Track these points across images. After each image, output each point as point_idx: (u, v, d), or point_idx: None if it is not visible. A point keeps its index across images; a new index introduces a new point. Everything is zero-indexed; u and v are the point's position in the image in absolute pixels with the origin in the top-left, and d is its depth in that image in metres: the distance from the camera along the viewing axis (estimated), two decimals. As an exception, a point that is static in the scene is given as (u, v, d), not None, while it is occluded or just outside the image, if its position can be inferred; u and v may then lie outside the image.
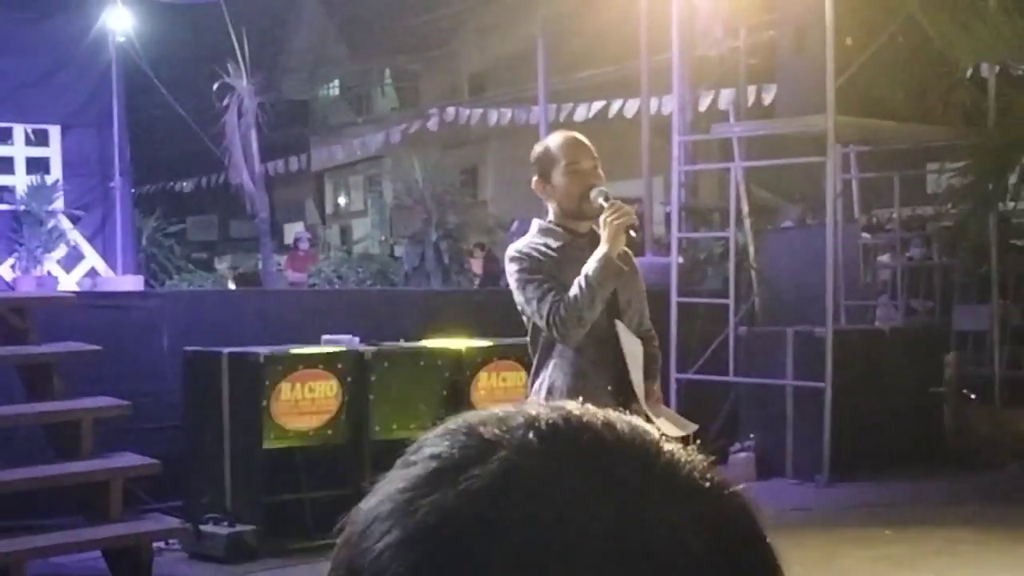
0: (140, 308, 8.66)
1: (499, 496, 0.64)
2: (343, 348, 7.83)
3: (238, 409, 7.47)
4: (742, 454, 9.80)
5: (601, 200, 4.05)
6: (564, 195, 4.13)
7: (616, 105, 19.06)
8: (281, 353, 7.53)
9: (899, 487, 9.42)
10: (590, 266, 3.98)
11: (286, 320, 8.85)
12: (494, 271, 16.03)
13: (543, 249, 4.12)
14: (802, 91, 10.01)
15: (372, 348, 7.83)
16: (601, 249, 4.00)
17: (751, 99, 13.84)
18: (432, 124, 24.05)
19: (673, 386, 10.13)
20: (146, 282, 12.17)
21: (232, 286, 19.16)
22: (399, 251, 21.29)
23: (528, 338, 4.27)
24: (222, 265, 26.19)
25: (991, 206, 10.82)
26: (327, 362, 7.60)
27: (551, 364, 4.13)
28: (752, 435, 9.94)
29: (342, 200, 36.13)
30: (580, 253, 4.06)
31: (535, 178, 4.22)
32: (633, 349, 4.11)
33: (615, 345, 4.10)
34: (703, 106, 14.97)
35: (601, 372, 4.06)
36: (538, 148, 4.24)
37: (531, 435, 0.68)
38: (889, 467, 9.73)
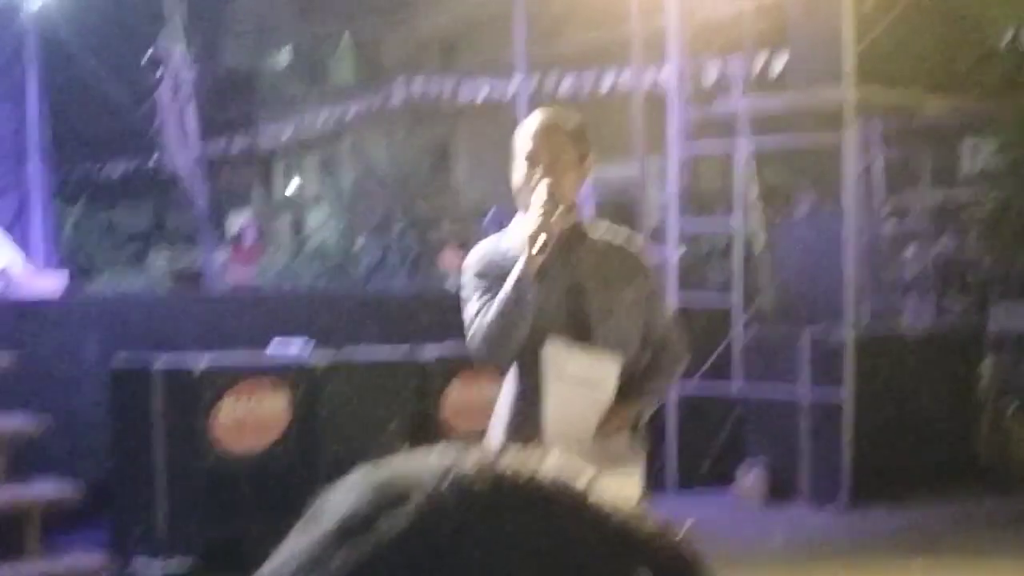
0: (63, 312, 8.64)
1: (411, 548, 0.68)
2: (294, 357, 7.83)
3: (173, 427, 7.46)
4: (750, 475, 9.83)
5: (536, 199, 3.97)
6: (517, 189, 4.11)
7: (607, 77, 19.09)
8: (222, 363, 7.52)
9: (930, 511, 9.46)
10: (508, 282, 3.93)
11: (229, 325, 8.85)
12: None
13: (502, 252, 4.08)
14: (817, 59, 10.04)
15: (326, 357, 7.82)
16: (519, 261, 3.94)
17: (763, 69, 13.88)
18: (397, 98, 24.06)
19: (672, 399, 10.15)
20: (70, 279, 12.14)
21: (169, 285, 19.12)
22: (360, 244, 21.26)
23: None
24: (158, 260, 26.12)
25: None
26: (275, 373, 7.59)
27: (504, 389, 4.13)
28: (762, 453, 9.97)
29: (294, 185, 36.07)
30: (548, 258, 3.97)
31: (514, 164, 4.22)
32: (578, 372, 4.01)
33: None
34: (706, 77, 15.02)
35: (540, 396, 4.01)
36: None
37: (444, 487, 0.71)
38: (918, 489, 9.76)
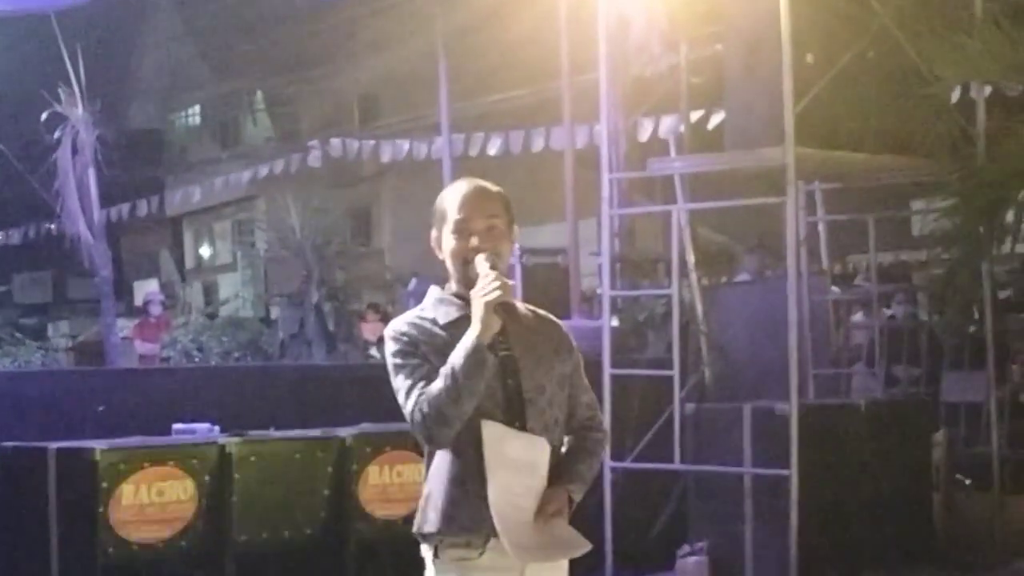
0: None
1: None
2: (201, 440, 7.73)
3: (69, 517, 7.33)
4: (692, 558, 9.80)
5: (482, 269, 3.97)
6: (450, 258, 4.09)
7: (536, 136, 19.16)
8: (122, 448, 7.41)
9: (882, 595, 9.48)
10: (457, 354, 3.90)
11: (131, 405, 8.73)
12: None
13: (427, 326, 4.05)
14: (756, 118, 10.11)
15: (236, 439, 7.73)
16: (471, 332, 3.91)
17: (700, 128, 13.98)
18: (314, 158, 23.99)
19: (608, 476, 10.12)
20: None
21: (69, 360, 18.94)
22: (276, 314, 21.18)
23: None
24: (57, 333, 25.91)
25: (984, 251, 10.99)
26: (180, 458, 7.49)
27: (433, 466, 4.07)
28: (704, 534, 9.95)
29: (205, 251, 35.93)
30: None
31: (433, 233, 4.19)
32: (516, 455, 4.01)
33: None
34: (643, 136, 15.13)
35: (479, 480, 3.97)
36: (440, 197, 4.18)
37: None
38: (869, 569, 9.78)
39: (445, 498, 4.00)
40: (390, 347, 4.05)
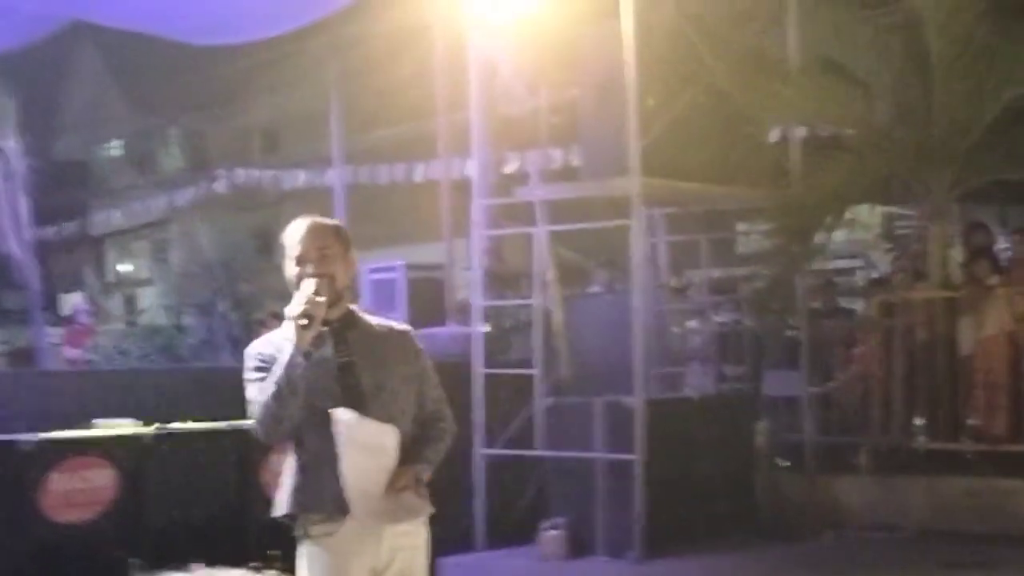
0: None
1: None
2: (120, 432, 7.58)
3: (2, 501, 7.14)
4: (551, 532, 9.81)
5: (301, 291, 4.11)
6: (291, 285, 4.20)
7: (418, 167, 19.12)
8: (50, 440, 7.24)
9: (714, 561, 9.55)
10: (279, 363, 4.05)
11: (59, 404, 8.54)
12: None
13: (273, 346, 4.14)
14: (606, 152, 10.17)
15: (151, 431, 7.60)
16: (288, 343, 4.05)
17: (559, 161, 14.04)
18: (221, 186, 23.75)
19: (479, 461, 10.11)
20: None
21: (2, 364, 18.48)
22: (187, 321, 20.85)
23: None
24: (-9, 340, 25.23)
25: (798, 267, 11.16)
26: (102, 447, 7.34)
27: (286, 460, 4.19)
28: (563, 512, 9.96)
29: (125, 267, 35.31)
30: (318, 339, 4.11)
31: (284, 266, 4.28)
32: (365, 439, 4.11)
33: (332, 443, 4.11)
34: (509, 168, 15.15)
35: (325, 464, 4.08)
36: (283, 235, 4.32)
37: None
38: (704, 540, 9.86)
39: (294, 484, 4.12)
40: (247, 365, 4.16)
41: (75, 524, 7.16)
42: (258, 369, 4.14)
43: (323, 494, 4.07)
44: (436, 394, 4.38)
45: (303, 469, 4.12)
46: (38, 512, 7.04)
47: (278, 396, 4.02)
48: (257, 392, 4.09)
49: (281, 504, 4.15)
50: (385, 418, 4.16)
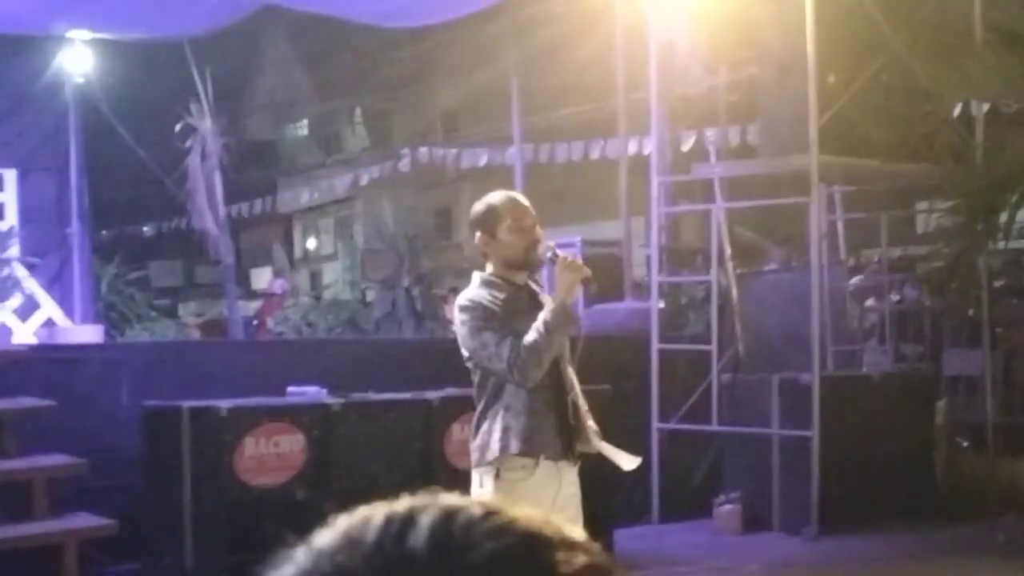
0: (98, 360, 8.60)
1: None
2: (309, 401, 7.79)
3: (200, 466, 7.41)
4: (727, 506, 9.78)
5: (549, 254, 4.55)
6: (511, 249, 4.58)
7: (595, 146, 19.13)
8: (244, 407, 7.48)
9: (890, 539, 9.41)
10: (548, 313, 4.43)
11: (252, 371, 8.81)
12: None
13: (491, 299, 4.52)
14: (784, 130, 10.07)
15: (339, 400, 7.79)
16: (557, 298, 4.47)
17: (736, 139, 13.92)
18: (404, 165, 24.09)
19: (655, 436, 10.12)
20: (106, 331, 12.11)
21: (197, 334, 19.11)
22: (371, 297, 21.26)
23: (475, 386, 4.67)
24: (186, 312, 26.11)
25: (981, 246, 10.87)
26: (293, 415, 7.56)
27: (500, 409, 4.51)
28: (738, 487, 9.92)
29: (311, 244, 36.09)
30: (521, 304, 4.54)
31: (479, 233, 4.67)
32: (575, 380, 4.64)
33: (560, 388, 4.57)
34: (686, 146, 15.08)
35: (551, 411, 4.49)
36: (480, 207, 4.69)
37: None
38: (880, 518, 9.71)
39: (524, 427, 4.45)
40: (467, 315, 4.46)
41: (268, 488, 7.39)
42: (485, 318, 4.46)
43: (546, 439, 4.42)
44: None
45: (533, 413, 4.45)
46: (233, 475, 7.28)
47: (547, 341, 4.37)
48: (498, 336, 4.40)
49: (506, 446, 4.44)
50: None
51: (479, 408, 4.57)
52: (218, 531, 7.39)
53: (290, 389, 7.97)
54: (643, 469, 9.80)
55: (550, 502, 4.41)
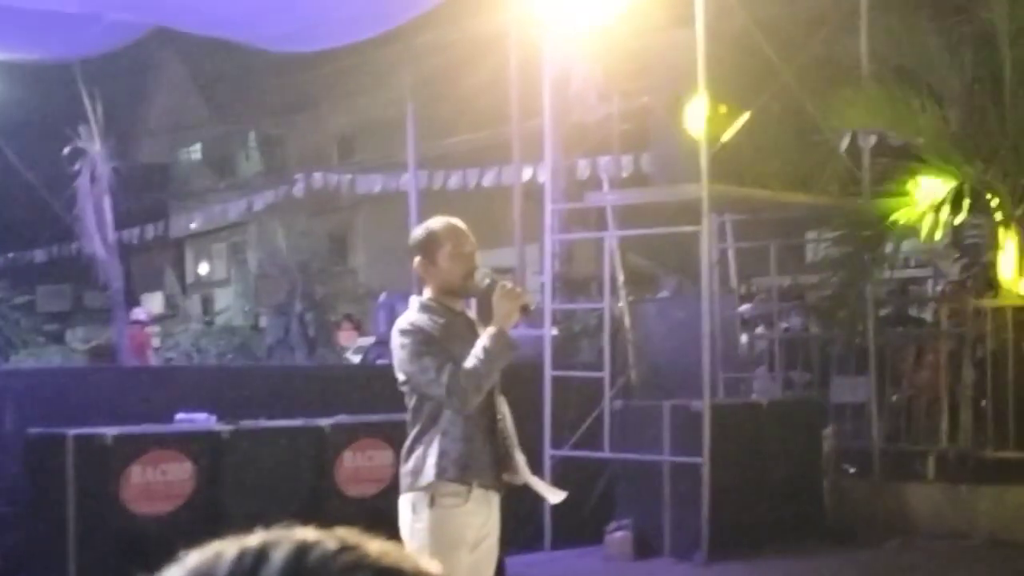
0: (-20, 386, 8.39)
1: None
2: (198, 428, 7.67)
3: (84, 494, 7.26)
4: (618, 533, 9.79)
5: (488, 281, 4.56)
6: (450, 275, 4.58)
7: (490, 173, 19.17)
8: (131, 434, 7.35)
9: (779, 564, 9.49)
10: (487, 339, 4.44)
11: (139, 398, 8.65)
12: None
13: (431, 324, 4.51)
14: (676, 159, 10.16)
15: (229, 427, 7.68)
16: (496, 325, 4.47)
17: (629, 167, 14.01)
18: (298, 190, 23.92)
19: (547, 462, 10.11)
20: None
21: (84, 360, 18.74)
22: (264, 322, 21.06)
23: (409, 410, 4.61)
24: (74, 338, 25.62)
25: (867, 276, 11.06)
26: (181, 443, 7.44)
27: (437, 434, 4.49)
28: (629, 513, 9.94)
29: (204, 269, 35.69)
30: (459, 329, 4.53)
31: (418, 258, 4.65)
32: (505, 409, 4.66)
33: (492, 417, 4.56)
34: (580, 174, 15.15)
35: (486, 440, 4.50)
36: (420, 232, 4.69)
37: None
38: (769, 543, 9.79)
39: (460, 454, 4.46)
40: (409, 338, 4.47)
41: (154, 516, 7.25)
42: (425, 342, 4.46)
43: (480, 465, 4.44)
44: None
45: (469, 440, 4.46)
46: (119, 504, 7.14)
47: (487, 367, 4.39)
48: (437, 362, 4.39)
49: (442, 472, 4.42)
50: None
51: (413, 433, 4.54)
52: (103, 560, 7.23)
53: (179, 416, 7.84)
54: (535, 495, 9.82)
55: (479, 529, 4.45)
